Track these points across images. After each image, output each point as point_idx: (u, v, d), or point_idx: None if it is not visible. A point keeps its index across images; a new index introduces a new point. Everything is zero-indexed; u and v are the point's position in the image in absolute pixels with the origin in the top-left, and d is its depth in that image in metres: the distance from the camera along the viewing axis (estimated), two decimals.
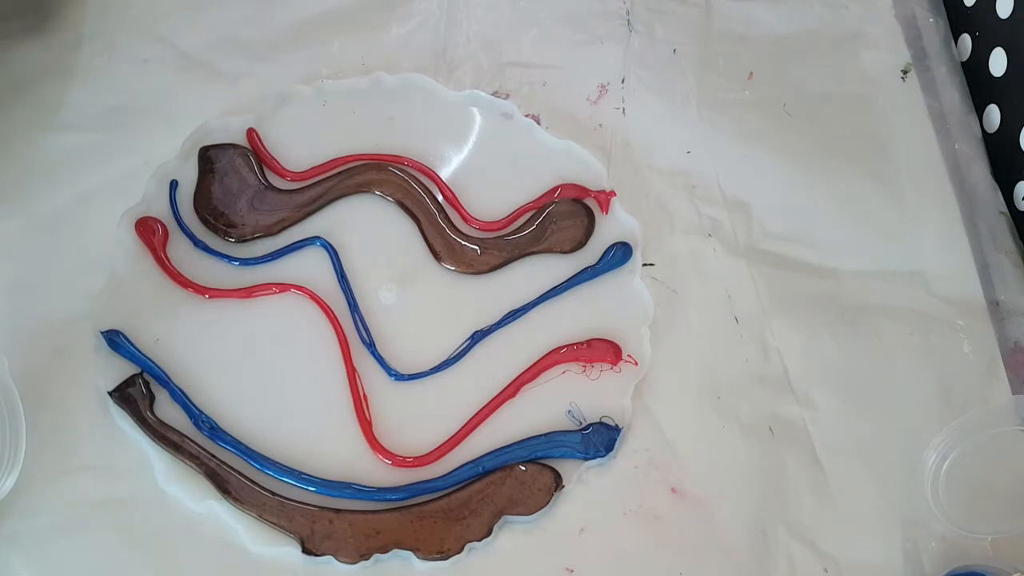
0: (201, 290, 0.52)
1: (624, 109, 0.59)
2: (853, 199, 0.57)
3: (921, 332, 0.53)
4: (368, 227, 0.55)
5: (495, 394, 0.50)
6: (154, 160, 0.55)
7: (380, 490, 0.47)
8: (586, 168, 0.56)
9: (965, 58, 0.63)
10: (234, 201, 0.54)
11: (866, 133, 0.60)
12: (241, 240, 0.54)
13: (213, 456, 0.47)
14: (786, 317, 0.53)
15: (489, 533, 0.46)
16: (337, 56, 0.60)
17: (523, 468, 0.48)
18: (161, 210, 0.54)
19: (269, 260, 0.53)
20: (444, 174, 0.56)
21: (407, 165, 0.56)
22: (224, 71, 0.59)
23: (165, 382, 0.49)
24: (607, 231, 0.55)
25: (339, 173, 0.56)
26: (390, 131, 0.57)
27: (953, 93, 0.61)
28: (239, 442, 0.48)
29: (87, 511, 0.46)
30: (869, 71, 0.62)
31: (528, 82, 0.60)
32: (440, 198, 0.55)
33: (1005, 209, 0.57)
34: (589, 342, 0.51)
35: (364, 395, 0.50)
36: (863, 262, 0.55)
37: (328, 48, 0.60)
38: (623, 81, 0.60)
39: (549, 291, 0.53)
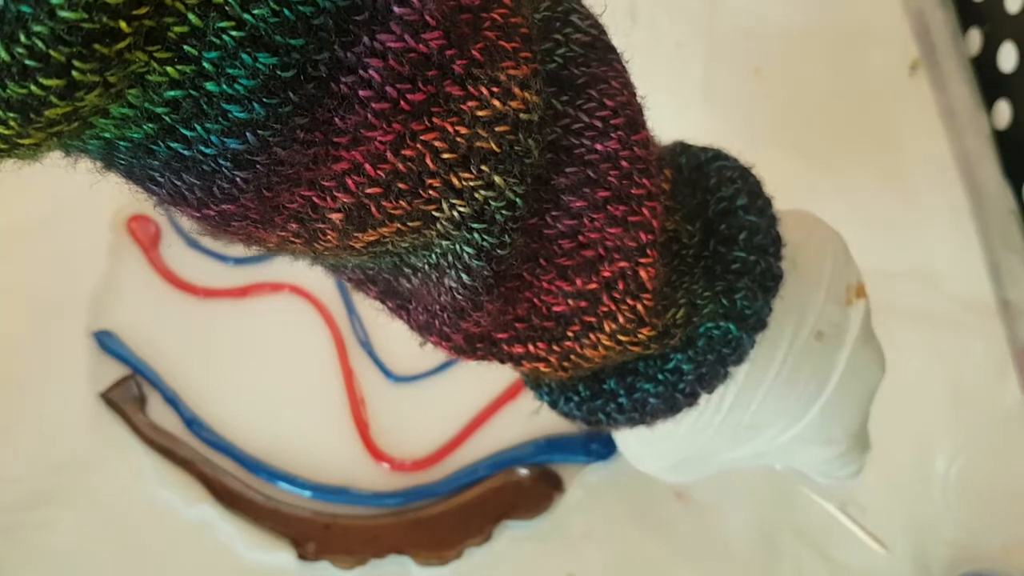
0: (194, 290, 0.51)
1: None
2: (860, 196, 0.56)
3: (931, 332, 0.52)
4: None
5: (495, 396, 0.49)
6: None
7: (377, 495, 0.47)
8: None
9: (974, 53, 0.62)
10: None
11: (874, 129, 0.59)
12: None
13: (206, 460, 0.47)
14: None
15: (489, 538, 0.46)
16: None
17: (523, 471, 0.47)
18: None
19: (264, 259, 0.52)
20: None
21: None
22: None
23: (157, 384, 0.48)
24: None
25: None
26: None
27: (962, 89, 0.60)
28: (232, 445, 0.47)
29: (76, 514, 0.45)
30: (877, 66, 0.61)
31: None
32: None
33: (1016, 207, 0.57)
34: None
35: (361, 397, 0.49)
36: (871, 261, 0.54)
37: None
38: None
39: None
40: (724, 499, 0.47)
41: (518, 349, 0.26)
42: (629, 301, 0.25)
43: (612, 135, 0.24)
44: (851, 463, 0.34)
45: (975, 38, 0.62)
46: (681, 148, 0.31)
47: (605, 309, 0.25)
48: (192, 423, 0.48)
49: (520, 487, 0.47)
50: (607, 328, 0.25)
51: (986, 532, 0.47)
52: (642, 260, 0.24)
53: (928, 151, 0.58)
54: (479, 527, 0.46)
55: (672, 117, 0.58)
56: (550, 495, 0.47)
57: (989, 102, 0.60)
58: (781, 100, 0.59)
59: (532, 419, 0.49)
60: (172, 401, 0.48)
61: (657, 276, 0.25)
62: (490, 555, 0.46)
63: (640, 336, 0.26)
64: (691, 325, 0.27)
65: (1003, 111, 0.59)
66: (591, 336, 0.26)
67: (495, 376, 0.50)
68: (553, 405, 0.30)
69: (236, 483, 0.46)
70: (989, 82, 0.60)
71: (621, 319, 0.25)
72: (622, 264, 0.24)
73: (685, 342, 0.27)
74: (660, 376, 0.28)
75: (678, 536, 0.47)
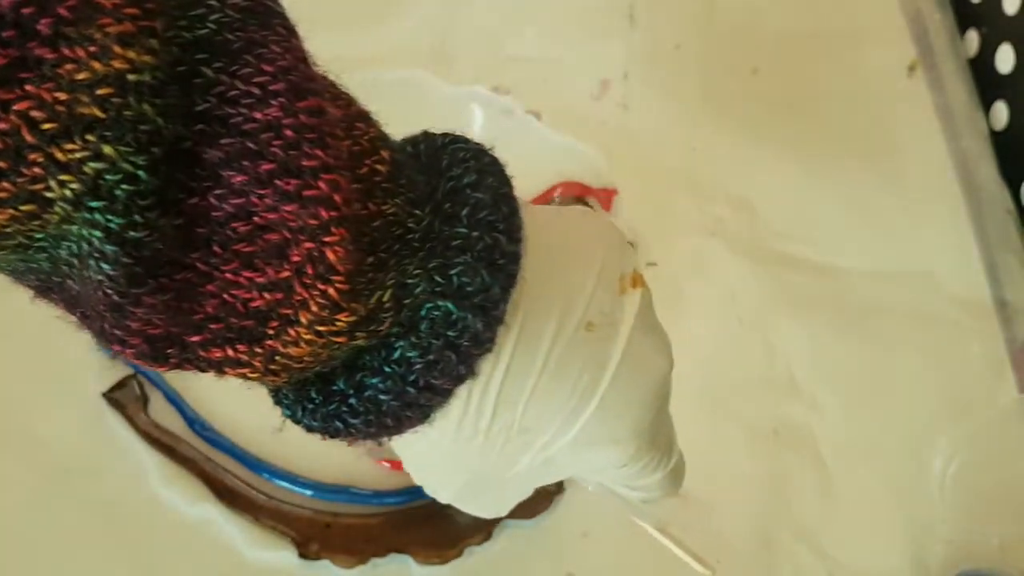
0: None
1: (627, 105, 0.59)
2: (859, 197, 0.57)
3: (928, 332, 0.52)
4: None
5: None
6: None
7: (377, 494, 0.47)
8: (588, 166, 0.56)
9: (972, 54, 0.62)
10: None
11: (872, 130, 0.59)
12: None
13: (208, 459, 0.47)
14: (791, 317, 0.53)
15: (489, 537, 0.46)
16: (333, 51, 0.59)
17: None
18: None
19: None
20: None
21: None
22: None
23: (159, 383, 0.48)
24: None
25: None
26: (387, 128, 0.56)
27: (960, 90, 0.60)
28: (234, 444, 0.47)
29: (79, 513, 0.45)
30: (875, 67, 0.61)
31: (529, 77, 0.59)
32: None
33: (1013, 207, 0.57)
34: None
35: None
36: (869, 261, 0.55)
37: (324, 43, 0.59)
38: (626, 76, 0.59)
39: None
40: (722, 498, 0.48)
41: (216, 354, 0.24)
42: (320, 286, 0.23)
43: (272, 102, 0.22)
44: (652, 471, 0.32)
45: (973, 39, 0.62)
46: (423, 135, 0.30)
47: (299, 298, 0.23)
48: (194, 423, 0.48)
49: None
50: (303, 319, 0.23)
51: (984, 531, 0.47)
52: (327, 239, 0.22)
53: (926, 152, 0.58)
54: (479, 526, 0.46)
55: (671, 117, 0.59)
56: (550, 495, 0.47)
57: (987, 103, 0.60)
58: (779, 101, 0.59)
59: None
60: (174, 401, 0.48)
61: (350, 257, 0.23)
62: (490, 554, 0.46)
63: (339, 324, 0.24)
64: (404, 308, 0.25)
65: (1000, 112, 0.59)
66: (291, 331, 0.24)
67: None
68: (294, 418, 0.28)
69: (238, 482, 0.46)
70: (987, 83, 0.60)
71: (314, 307, 0.23)
72: (308, 246, 0.22)
73: (407, 328, 0.25)
74: (387, 368, 0.26)
75: (676, 535, 0.47)
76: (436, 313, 0.25)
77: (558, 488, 0.47)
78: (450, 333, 0.26)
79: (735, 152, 0.58)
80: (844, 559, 0.47)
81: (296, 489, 0.47)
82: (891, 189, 0.57)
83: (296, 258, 0.22)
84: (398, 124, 0.61)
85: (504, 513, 0.34)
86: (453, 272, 0.25)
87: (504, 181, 0.28)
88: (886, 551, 0.47)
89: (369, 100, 0.62)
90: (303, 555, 0.45)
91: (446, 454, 0.29)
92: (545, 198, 0.55)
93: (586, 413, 0.29)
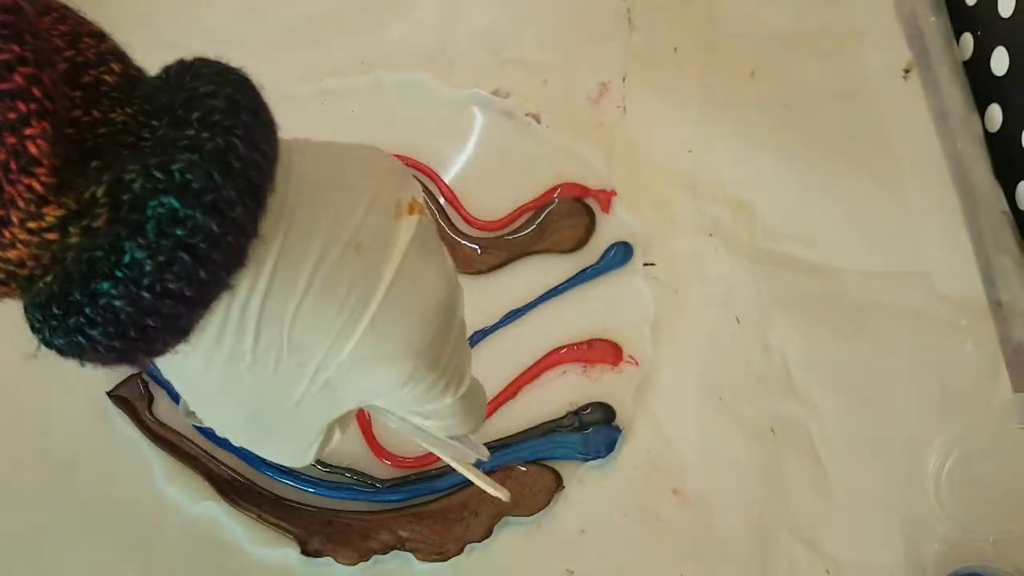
0: None
1: (625, 108, 0.59)
2: (855, 198, 0.57)
3: (923, 332, 0.53)
4: None
5: (495, 395, 0.50)
6: None
7: (379, 491, 0.47)
8: (587, 167, 0.56)
9: (967, 57, 0.62)
10: None
11: (868, 132, 0.59)
12: None
13: (212, 456, 0.47)
14: (788, 317, 0.53)
15: (489, 534, 0.46)
16: (335, 55, 0.60)
17: (523, 469, 0.48)
18: None
19: None
20: (443, 173, 0.56)
21: (406, 165, 0.56)
22: None
23: (163, 382, 0.49)
24: (608, 230, 0.55)
25: None
26: (389, 130, 0.57)
27: (955, 92, 0.61)
28: None
29: (84, 511, 0.46)
30: (870, 70, 0.62)
31: (528, 80, 0.59)
32: (440, 197, 0.55)
33: (1007, 209, 0.57)
34: (590, 342, 0.51)
35: None
36: (865, 262, 0.55)
37: (327, 47, 0.60)
38: (624, 79, 0.60)
39: (549, 291, 0.53)
40: (720, 496, 0.48)
41: None
42: (24, 180, 0.23)
43: None
44: (440, 394, 0.32)
45: (968, 42, 0.62)
46: (176, 61, 0.30)
47: (8, 196, 0.24)
48: None
49: (520, 484, 0.47)
50: (14, 218, 0.24)
51: (978, 529, 0.48)
52: (28, 132, 0.23)
53: (921, 153, 0.59)
54: (480, 523, 0.46)
55: (669, 119, 0.59)
56: (550, 492, 0.47)
57: (981, 105, 0.60)
58: (776, 103, 0.60)
59: (532, 417, 0.49)
60: (178, 399, 0.48)
61: (54, 151, 0.24)
62: (490, 551, 0.46)
63: (48, 219, 0.24)
64: (124, 205, 0.25)
65: (995, 114, 0.59)
66: (6, 233, 0.24)
67: (495, 375, 0.50)
68: (45, 342, 0.28)
69: (241, 480, 0.47)
70: (981, 86, 0.60)
71: (21, 203, 0.24)
72: (11, 140, 0.23)
73: (134, 228, 0.25)
74: (118, 272, 0.25)
75: (675, 533, 0.47)
76: (161, 211, 0.25)
77: (557, 485, 0.47)
78: (179, 232, 0.25)
79: (733, 153, 0.58)
80: (840, 556, 0.47)
81: (298, 486, 0.47)
82: (886, 190, 0.57)
83: (2, 156, 0.23)
84: (400, 126, 0.62)
85: (308, 460, 0.34)
86: (175, 167, 0.25)
87: (248, 95, 0.28)
88: (882, 549, 0.48)
89: (371, 102, 0.62)
90: (305, 552, 0.45)
91: (219, 381, 0.29)
92: (545, 199, 0.55)
93: (358, 330, 0.29)
